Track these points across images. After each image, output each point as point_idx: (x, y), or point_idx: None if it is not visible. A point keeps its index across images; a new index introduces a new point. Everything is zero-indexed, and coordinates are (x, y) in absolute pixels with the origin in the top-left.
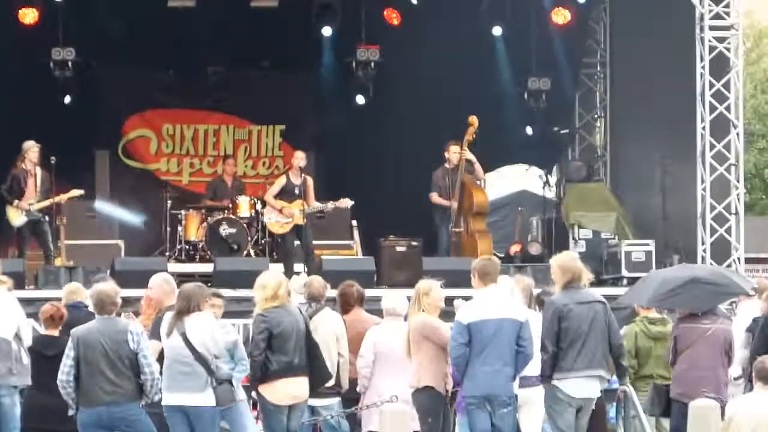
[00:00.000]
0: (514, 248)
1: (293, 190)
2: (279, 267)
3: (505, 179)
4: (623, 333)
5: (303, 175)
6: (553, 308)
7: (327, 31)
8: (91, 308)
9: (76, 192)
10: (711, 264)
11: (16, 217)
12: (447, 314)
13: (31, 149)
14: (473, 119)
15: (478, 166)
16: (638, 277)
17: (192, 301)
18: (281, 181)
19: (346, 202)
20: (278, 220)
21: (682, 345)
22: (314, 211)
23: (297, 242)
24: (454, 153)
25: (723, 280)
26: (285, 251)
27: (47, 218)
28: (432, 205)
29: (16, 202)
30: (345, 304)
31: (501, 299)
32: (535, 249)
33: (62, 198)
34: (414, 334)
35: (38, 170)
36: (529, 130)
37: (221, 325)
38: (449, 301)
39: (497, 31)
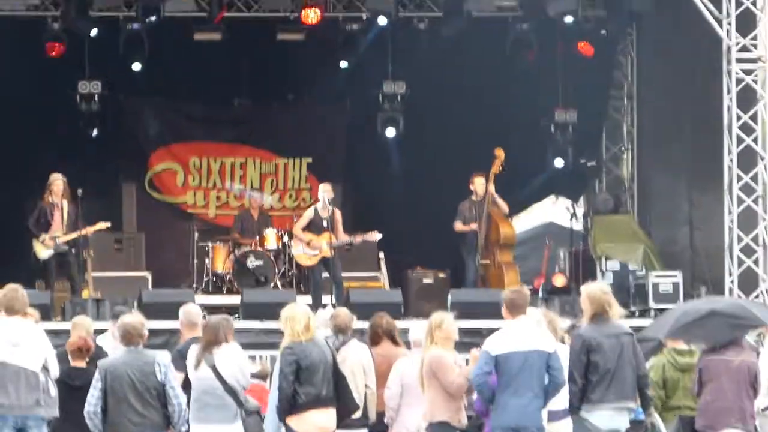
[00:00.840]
0: (538, 281)
1: (321, 223)
2: (306, 299)
3: (531, 211)
4: (651, 364)
5: (331, 207)
6: (581, 341)
7: (353, 63)
8: (98, 341)
9: (103, 224)
10: (738, 296)
11: (43, 250)
12: (461, 345)
13: (56, 182)
14: (500, 151)
15: (500, 200)
16: (666, 309)
17: (219, 333)
18: (309, 214)
19: (374, 235)
20: (306, 252)
21: (707, 377)
22: (342, 244)
23: (325, 274)
24: (479, 184)
25: (743, 312)
26: (313, 283)
27: (74, 251)
28: (458, 236)
29: (42, 236)
30: (374, 336)
31: (529, 331)
32: (559, 281)
33: (89, 230)
34: (426, 369)
35: (64, 203)
36: (555, 162)
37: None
38: (475, 333)
39: (524, 63)
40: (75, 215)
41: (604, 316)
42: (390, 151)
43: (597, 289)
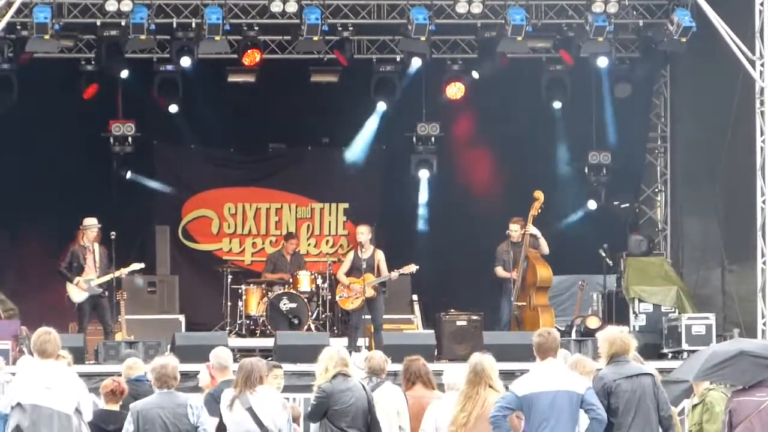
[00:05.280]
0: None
1: (361, 266)
2: (340, 342)
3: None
4: (690, 403)
5: (373, 248)
6: (602, 383)
7: (386, 106)
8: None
9: (137, 266)
10: None
11: (77, 293)
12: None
13: (90, 228)
14: (539, 194)
15: (542, 241)
16: (698, 351)
17: (254, 375)
18: (350, 257)
19: (411, 268)
20: (348, 296)
21: (737, 418)
22: (378, 281)
23: (366, 316)
24: (514, 230)
25: None
26: (352, 325)
27: (106, 293)
28: (494, 278)
29: (76, 280)
30: (407, 379)
31: (557, 372)
32: (593, 323)
33: (122, 272)
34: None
35: (96, 246)
36: (590, 205)
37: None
38: (509, 375)
39: (557, 105)
40: (107, 258)
41: (623, 357)
42: (423, 193)
43: (613, 330)
